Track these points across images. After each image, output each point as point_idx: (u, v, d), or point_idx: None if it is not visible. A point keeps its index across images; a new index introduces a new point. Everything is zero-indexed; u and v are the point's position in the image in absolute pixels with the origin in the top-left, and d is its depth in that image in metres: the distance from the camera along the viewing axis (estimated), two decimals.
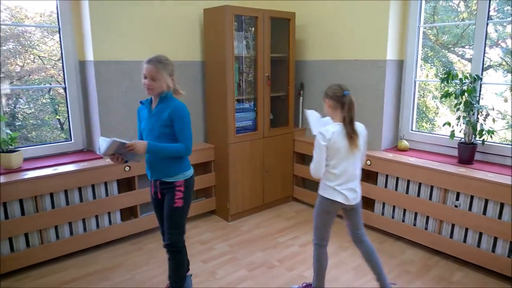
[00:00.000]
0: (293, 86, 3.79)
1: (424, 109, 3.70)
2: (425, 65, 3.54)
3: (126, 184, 3.17)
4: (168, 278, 2.30)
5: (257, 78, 3.50)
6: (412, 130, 3.41)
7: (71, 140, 3.25)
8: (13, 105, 3.67)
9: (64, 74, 3.14)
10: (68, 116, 3.22)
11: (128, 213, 3.22)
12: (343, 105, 2.12)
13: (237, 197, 3.55)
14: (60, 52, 3.13)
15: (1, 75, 2.98)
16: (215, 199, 3.65)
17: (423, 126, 3.61)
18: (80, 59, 3.15)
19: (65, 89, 3.17)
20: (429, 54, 3.57)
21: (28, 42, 3.64)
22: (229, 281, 2.62)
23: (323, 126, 2.16)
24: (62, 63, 3.12)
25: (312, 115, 2.32)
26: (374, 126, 3.38)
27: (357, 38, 3.40)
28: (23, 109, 3.79)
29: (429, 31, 3.45)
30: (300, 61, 3.92)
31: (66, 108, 3.24)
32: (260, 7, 3.41)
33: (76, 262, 2.85)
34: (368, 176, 3.39)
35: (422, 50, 3.31)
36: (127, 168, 3.02)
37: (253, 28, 3.55)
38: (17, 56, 3.56)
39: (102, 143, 2.00)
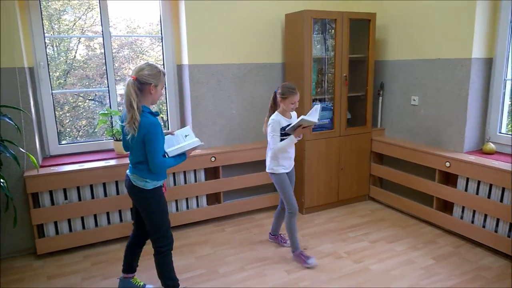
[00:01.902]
0: (372, 86, 3.82)
1: None
2: None
3: (212, 173, 3.59)
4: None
5: (335, 78, 3.64)
6: (500, 132, 3.21)
7: None
8: None
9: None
10: (167, 111, 3.76)
11: (213, 198, 3.65)
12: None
13: (312, 192, 3.73)
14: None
15: (117, 78, 3.62)
16: None
17: None
18: (178, 63, 3.65)
19: (165, 89, 3.72)
20: None
21: (139, 48, 4.32)
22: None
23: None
24: (164, 66, 3.66)
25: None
26: (457, 127, 3.27)
27: (440, 36, 3.31)
28: None
29: None
30: (380, 61, 3.93)
31: (166, 106, 3.80)
32: (341, 9, 3.50)
33: None
34: (448, 178, 3.30)
35: None
36: (212, 159, 3.44)
37: (333, 30, 3.69)
38: (130, 61, 4.25)
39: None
